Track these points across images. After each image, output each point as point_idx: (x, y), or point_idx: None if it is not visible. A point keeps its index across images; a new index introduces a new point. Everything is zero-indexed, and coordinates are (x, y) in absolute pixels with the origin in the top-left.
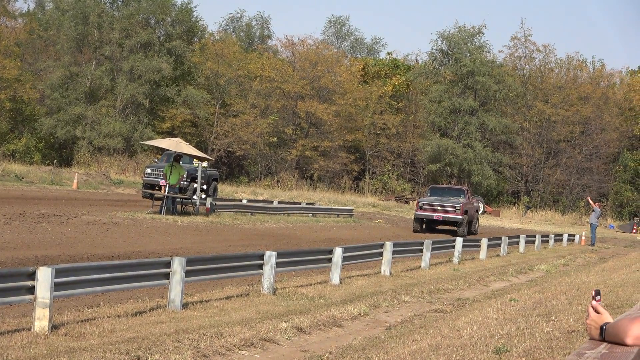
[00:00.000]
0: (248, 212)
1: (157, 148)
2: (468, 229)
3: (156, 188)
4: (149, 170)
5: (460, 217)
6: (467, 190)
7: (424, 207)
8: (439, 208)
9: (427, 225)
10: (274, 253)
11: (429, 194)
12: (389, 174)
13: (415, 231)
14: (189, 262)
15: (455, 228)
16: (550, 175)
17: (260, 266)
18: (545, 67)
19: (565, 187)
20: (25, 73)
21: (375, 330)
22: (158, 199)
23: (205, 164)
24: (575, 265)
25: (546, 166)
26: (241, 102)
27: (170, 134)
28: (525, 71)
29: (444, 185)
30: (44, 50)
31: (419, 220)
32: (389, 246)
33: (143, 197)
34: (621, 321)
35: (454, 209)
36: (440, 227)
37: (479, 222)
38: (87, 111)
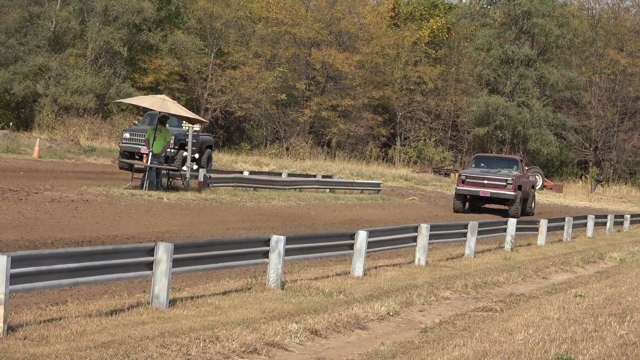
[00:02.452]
0: (250, 186)
1: (138, 108)
2: (522, 208)
3: (136, 157)
4: (127, 135)
5: (513, 193)
6: (522, 160)
7: (467, 180)
8: (486, 182)
9: (472, 203)
10: (283, 237)
11: (473, 165)
12: (425, 139)
13: (456, 210)
14: (177, 248)
15: (506, 207)
16: (625, 142)
17: (266, 254)
18: (619, 7)
19: None
20: None
21: (407, 333)
22: (139, 170)
23: (197, 127)
24: None
25: (620, 130)
26: (242, 51)
27: (153, 90)
28: (594, 11)
29: (493, 154)
30: None
31: (461, 197)
32: (424, 229)
33: (120, 168)
34: None
35: (504, 184)
36: (487, 205)
37: (536, 200)
38: (50, 62)
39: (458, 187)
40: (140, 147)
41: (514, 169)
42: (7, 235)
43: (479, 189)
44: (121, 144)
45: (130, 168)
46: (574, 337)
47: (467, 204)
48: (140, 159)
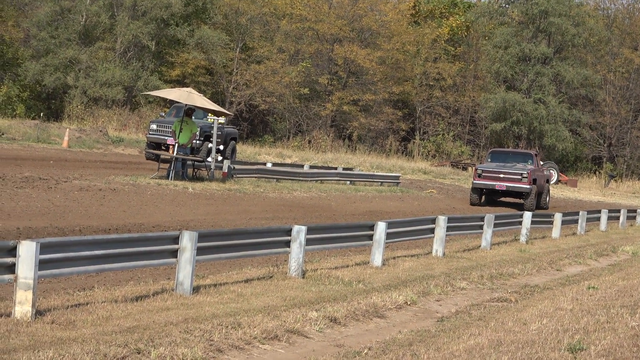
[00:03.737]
0: (273, 178)
1: (165, 100)
2: (537, 201)
3: (163, 148)
4: (154, 127)
5: (528, 186)
6: (536, 154)
7: (483, 174)
8: (501, 176)
9: (488, 196)
10: (304, 228)
11: (489, 160)
12: (443, 134)
13: (472, 204)
14: (202, 237)
15: (522, 200)
16: (639, 138)
17: (287, 243)
18: (634, 7)
19: None
20: (7, 8)
21: (424, 322)
22: (165, 161)
23: (222, 119)
24: None
25: (634, 127)
26: (266, 46)
27: (180, 83)
28: (610, 11)
29: (508, 149)
30: None
31: (477, 190)
32: (442, 221)
33: (147, 159)
34: None
35: (520, 177)
36: (502, 199)
37: (550, 194)
38: (80, 55)
39: (475, 181)
40: (166, 138)
41: (529, 163)
42: (37, 222)
43: (495, 183)
44: (148, 135)
45: (157, 158)
46: (586, 327)
47: (483, 197)
48: (167, 149)
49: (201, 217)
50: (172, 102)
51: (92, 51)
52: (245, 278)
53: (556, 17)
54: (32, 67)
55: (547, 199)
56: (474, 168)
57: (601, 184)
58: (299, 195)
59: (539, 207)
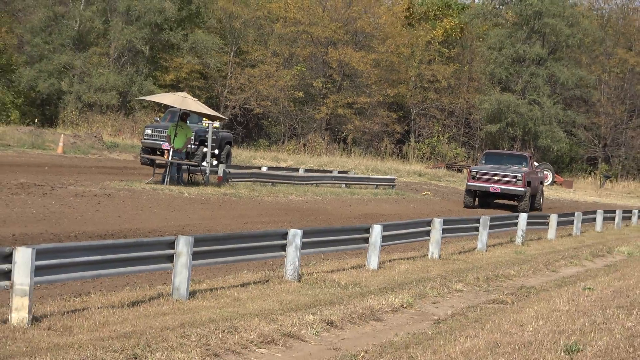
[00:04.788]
0: (268, 182)
1: (159, 105)
2: (531, 203)
3: (158, 153)
4: (149, 132)
5: (522, 189)
6: (531, 156)
7: (477, 176)
8: (496, 178)
9: (482, 199)
10: (300, 231)
11: (483, 161)
12: (438, 136)
13: (466, 206)
14: (197, 241)
15: (516, 202)
16: (634, 138)
17: (283, 247)
18: (628, 7)
19: None
20: (0, 14)
21: (420, 324)
22: (160, 166)
23: (217, 123)
24: None
25: (629, 127)
26: (260, 50)
27: (174, 87)
28: (604, 11)
29: (502, 151)
30: None
31: (471, 192)
32: (437, 223)
33: (142, 164)
34: None
35: (514, 180)
36: (497, 200)
37: (544, 195)
38: (74, 60)
39: (469, 183)
40: (161, 143)
41: (523, 165)
42: (33, 229)
43: (489, 185)
44: (143, 140)
45: (152, 163)
46: (582, 328)
47: (477, 199)
48: (162, 154)
49: (197, 222)
50: (166, 106)
51: (86, 56)
52: (242, 282)
53: (550, 18)
54: (26, 73)
55: (541, 200)
56: (468, 170)
57: (596, 184)
58: (295, 198)
59: (532, 208)
